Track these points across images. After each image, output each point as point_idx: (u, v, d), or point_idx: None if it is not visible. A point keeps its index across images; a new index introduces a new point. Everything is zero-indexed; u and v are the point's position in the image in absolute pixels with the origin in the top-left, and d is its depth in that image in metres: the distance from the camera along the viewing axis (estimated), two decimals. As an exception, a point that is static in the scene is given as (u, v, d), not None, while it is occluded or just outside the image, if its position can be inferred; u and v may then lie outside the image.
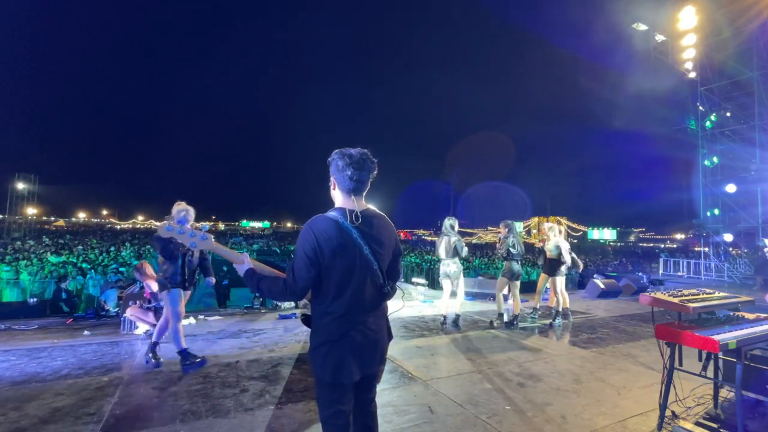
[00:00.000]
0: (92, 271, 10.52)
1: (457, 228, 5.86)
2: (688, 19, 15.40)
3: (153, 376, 3.62)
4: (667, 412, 2.71)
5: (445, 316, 5.86)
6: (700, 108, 17.13)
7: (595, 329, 5.99)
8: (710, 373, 2.80)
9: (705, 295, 2.90)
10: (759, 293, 10.35)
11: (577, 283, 12.72)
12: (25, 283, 9.28)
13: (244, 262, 1.77)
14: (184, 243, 1.87)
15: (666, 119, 19.45)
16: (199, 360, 3.75)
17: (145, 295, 5.21)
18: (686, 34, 15.69)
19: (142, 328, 5.17)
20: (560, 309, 6.30)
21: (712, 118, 16.96)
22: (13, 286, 8.95)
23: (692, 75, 16.77)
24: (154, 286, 5.10)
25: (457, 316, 5.86)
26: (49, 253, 15.22)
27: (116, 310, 6.57)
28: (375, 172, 1.74)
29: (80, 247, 19.60)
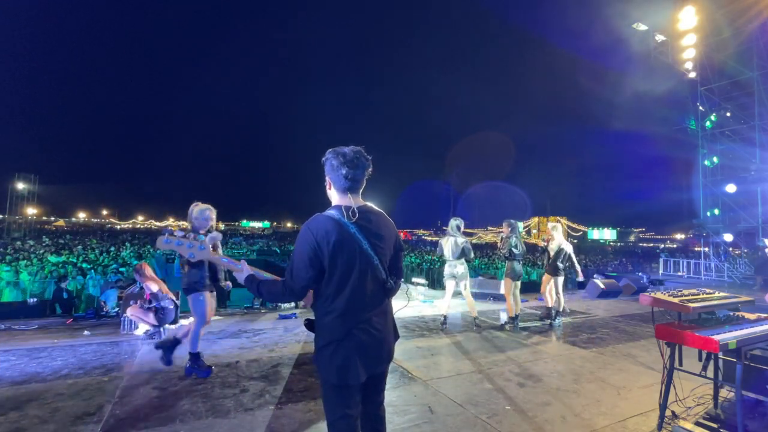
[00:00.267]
0: (92, 271, 10.53)
1: (462, 228, 5.88)
2: (688, 19, 15.40)
3: (153, 376, 3.62)
4: (667, 412, 2.71)
5: (445, 316, 5.86)
6: (700, 108, 17.13)
7: (595, 329, 5.99)
8: (710, 373, 2.79)
9: (705, 295, 2.90)
10: (759, 293, 10.35)
11: (577, 283, 12.73)
12: (25, 283, 9.28)
13: (243, 270, 1.80)
14: (182, 254, 1.86)
15: (666, 119, 19.48)
16: (204, 368, 3.65)
17: (145, 296, 5.21)
18: (686, 34, 15.69)
19: (142, 328, 5.17)
20: (560, 309, 6.31)
21: (712, 118, 16.95)
22: (13, 287, 8.95)
23: (692, 75, 16.76)
24: (154, 287, 5.10)
25: (475, 319, 5.79)
26: (49, 253, 15.23)
27: (116, 310, 6.58)
28: (370, 170, 1.74)
29: (80, 247, 19.61)
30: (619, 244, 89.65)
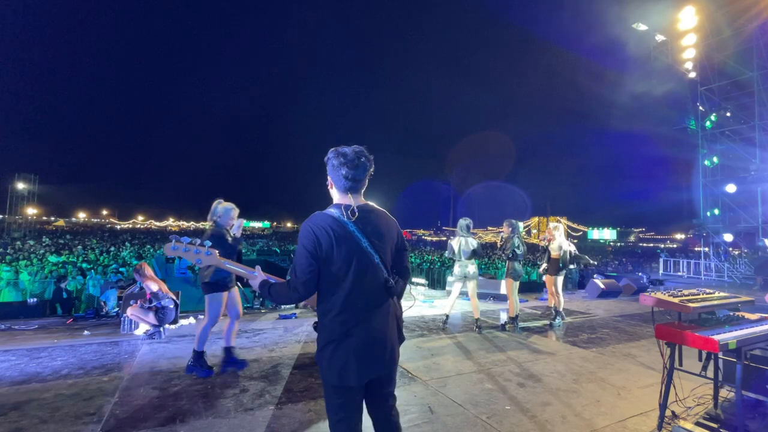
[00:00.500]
0: (92, 271, 10.53)
1: (472, 228, 5.92)
2: (688, 19, 15.41)
3: (153, 376, 3.62)
4: (667, 412, 2.71)
5: (447, 316, 5.86)
6: (700, 108, 17.14)
7: (595, 329, 5.99)
8: (710, 373, 2.80)
9: (705, 295, 2.90)
10: (759, 293, 10.36)
11: (577, 283, 12.74)
12: (25, 283, 9.29)
13: (258, 276, 1.81)
14: (190, 260, 1.87)
15: (666, 119, 19.49)
16: (206, 368, 3.66)
17: (145, 295, 5.21)
18: (686, 34, 15.71)
19: (142, 328, 5.17)
20: (560, 309, 6.31)
21: (712, 118, 16.96)
22: (13, 287, 8.96)
23: (692, 75, 16.78)
24: (154, 287, 5.10)
25: (477, 320, 5.76)
26: (49, 253, 15.23)
27: (116, 310, 6.57)
28: (371, 169, 1.74)
29: (80, 247, 19.62)
30: (619, 244, 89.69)
